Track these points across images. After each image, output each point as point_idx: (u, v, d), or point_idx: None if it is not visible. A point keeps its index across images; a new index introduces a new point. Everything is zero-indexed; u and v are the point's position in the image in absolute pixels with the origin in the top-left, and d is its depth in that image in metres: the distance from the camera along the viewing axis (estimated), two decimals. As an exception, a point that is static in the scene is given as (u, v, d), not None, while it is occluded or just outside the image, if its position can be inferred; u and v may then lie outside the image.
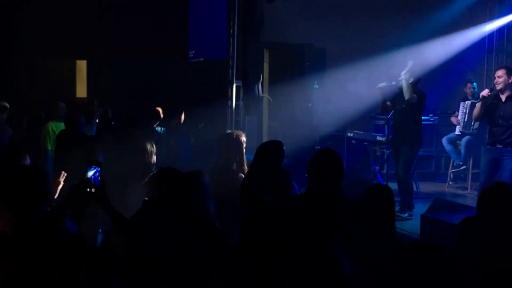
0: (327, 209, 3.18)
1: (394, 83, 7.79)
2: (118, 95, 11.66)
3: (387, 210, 3.80)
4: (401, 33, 10.81)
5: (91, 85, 12.71)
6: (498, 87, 7.08)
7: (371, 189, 3.92)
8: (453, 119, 9.93)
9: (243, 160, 5.48)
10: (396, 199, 7.86)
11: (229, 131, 7.81)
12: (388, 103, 7.94)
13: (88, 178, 2.96)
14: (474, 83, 9.95)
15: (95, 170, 2.95)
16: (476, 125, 9.39)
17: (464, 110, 9.68)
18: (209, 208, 3.90)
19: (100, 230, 5.45)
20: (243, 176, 5.25)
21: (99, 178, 2.95)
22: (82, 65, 13.16)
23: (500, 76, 7.05)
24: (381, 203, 3.78)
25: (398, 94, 7.88)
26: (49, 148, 7.79)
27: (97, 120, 8.55)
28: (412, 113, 7.71)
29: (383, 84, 7.80)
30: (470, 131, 9.48)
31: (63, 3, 11.74)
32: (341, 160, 4.67)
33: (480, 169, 7.47)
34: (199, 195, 3.85)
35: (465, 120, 9.61)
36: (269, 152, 5.01)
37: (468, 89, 9.90)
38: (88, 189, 2.96)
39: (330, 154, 4.66)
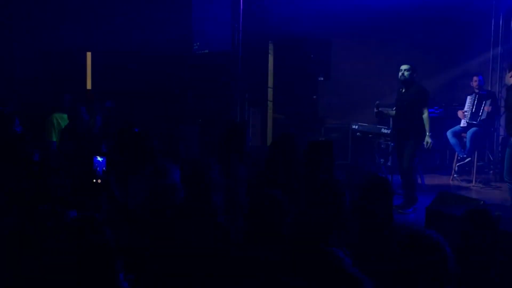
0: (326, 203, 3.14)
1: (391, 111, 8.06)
2: (122, 87, 11.65)
3: (383, 202, 3.77)
4: (406, 24, 10.79)
5: (96, 78, 12.70)
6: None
7: (366, 181, 3.88)
8: (459, 113, 9.92)
9: (244, 151, 5.46)
10: (399, 191, 7.92)
11: (231, 122, 7.83)
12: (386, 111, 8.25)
13: (94, 169, 2.96)
14: (480, 76, 9.93)
15: (100, 161, 2.95)
16: (483, 115, 9.39)
17: (472, 101, 9.69)
18: (215, 202, 3.88)
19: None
20: (244, 168, 5.24)
21: (104, 169, 2.95)
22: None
23: None
24: (377, 194, 3.75)
25: (400, 91, 7.90)
26: (54, 139, 7.80)
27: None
28: (415, 108, 7.71)
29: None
30: (477, 121, 9.48)
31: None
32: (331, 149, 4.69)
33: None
34: (205, 189, 3.84)
35: (473, 110, 9.61)
36: (284, 146, 5.06)
37: (474, 83, 9.87)
38: (94, 180, 2.96)
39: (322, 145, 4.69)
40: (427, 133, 7.67)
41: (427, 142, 7.67)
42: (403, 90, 7.80)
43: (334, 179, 3.08)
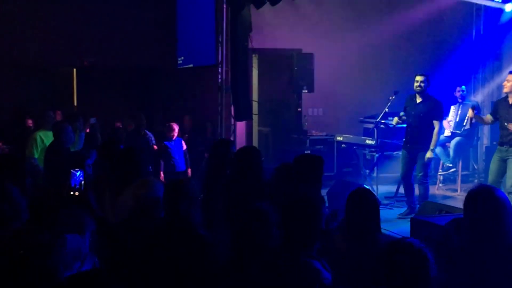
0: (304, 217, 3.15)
1: (402, 113, 8.08)
2: (107, 103, 11.64)
3: (369, 214, 3.79)
4: (389, 37, 10.87)
5: (80, 94, 12.69)
6: (505, 90, 7.20)
7: (352, 194, 3.90)
8: (444, 123, 10.00)
9: (225, 167, 5.47)
10: (403, 199, 8.05)
11: (219, 139, 7.86)
12: (403, 117, 8.14)
13: (71, 182, 2.95)
14: (463, 86, 10.02)
15: (78, 174, 2.94)
16: (467, 125, 9.44)
17: (456, 111, 9.76)
18: (194, 216, 3.84)
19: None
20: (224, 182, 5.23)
21: (82, 182, 2.94)
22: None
23: (509, 80, 7.14)
24: (362, 207, 3.77)
25: (409, 102, 7.99)
26: (36, 156, 7.76)
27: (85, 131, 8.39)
28: (428, 119, 7.82)
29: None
30: (461, 131, 9.54)
31: (50, 10, 11.75)
32: (319, 165, 4.67)
33: (489, 169, 7.49)
34: (183, 203, 3.80)
35: (457, 120, 9.68)
36: (246, 159, 5.05)
37: (457, 93, 9.96)
38: (72, 193, 2.95)
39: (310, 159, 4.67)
40: (431, 147, 7.80)
41: (428, 158, 7.82)
42: (419, 101, 7.86)
43: (312, 193, 3.10)
